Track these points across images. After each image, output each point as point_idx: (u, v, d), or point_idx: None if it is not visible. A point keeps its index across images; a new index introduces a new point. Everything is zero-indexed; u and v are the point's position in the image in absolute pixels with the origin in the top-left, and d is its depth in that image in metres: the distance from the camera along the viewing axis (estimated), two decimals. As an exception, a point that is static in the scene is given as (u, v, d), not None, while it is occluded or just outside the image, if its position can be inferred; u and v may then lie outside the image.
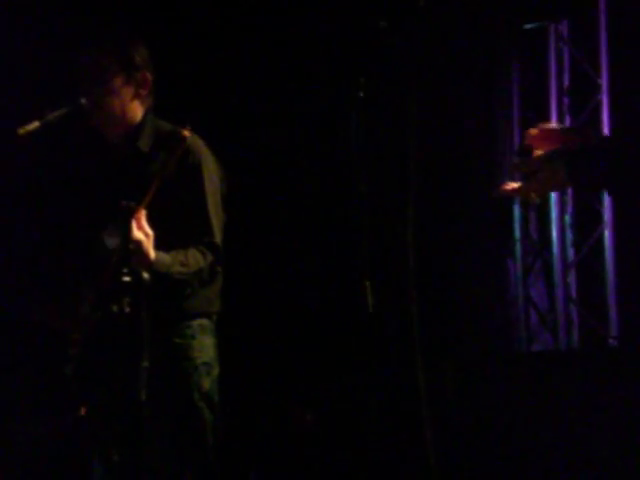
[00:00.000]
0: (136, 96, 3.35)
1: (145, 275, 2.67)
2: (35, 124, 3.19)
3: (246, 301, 4.91)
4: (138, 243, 2.94)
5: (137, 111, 3.37)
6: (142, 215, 2.95)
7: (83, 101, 3.27)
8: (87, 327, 3.21)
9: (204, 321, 3.36)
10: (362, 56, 2.43)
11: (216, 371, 3.36)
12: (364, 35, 2.46)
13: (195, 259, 3.21)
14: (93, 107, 3.28)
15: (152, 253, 3.03)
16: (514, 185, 2.33)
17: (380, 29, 2.43)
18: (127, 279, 2.65)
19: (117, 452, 3.17)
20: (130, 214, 2.89)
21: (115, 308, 2.66)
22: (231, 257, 3.41)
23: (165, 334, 3.26)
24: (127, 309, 2.65)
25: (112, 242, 3.06)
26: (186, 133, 2.94)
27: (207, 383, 3.31)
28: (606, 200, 5.14)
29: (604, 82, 5.14)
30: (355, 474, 4.53)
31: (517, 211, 5.42)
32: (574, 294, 5.26)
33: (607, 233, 5.14)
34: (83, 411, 3.18)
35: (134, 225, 2.91)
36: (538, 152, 2.30)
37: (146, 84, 3.36)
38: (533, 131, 2.32)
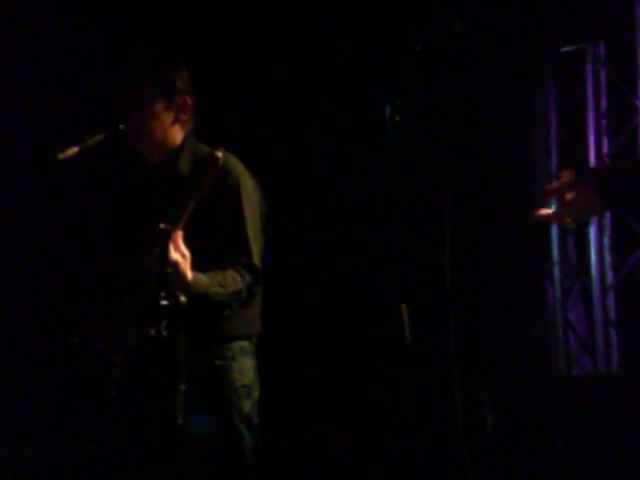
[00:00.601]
0: (177, 120, 3.35)
1: (182, 298, 2.68)
2: (74, 149, 3.20)
3: (286, 323, 4.91)
4: (175, 264, 2.94)
5: (177, 135, 3.37)
6: (178, 236, 2.96)
7: (122, 127, 3.28)
8: (128, 349, 3.22)
9: (244, 343, 3.35)
10: (399, 78, 2.43)
11: (256, 393, 3.36)
12: (402, 57, 2.47)
13: (233, 280, 3.20)
14: (132, 132, 3.30)
15: (189, 274, 3.03)
16: (548, 211, 2.31)
17: (417, 52, 2.43)
18: (164, 302, 2.66)
19: (156, 476, 3.18)
20: (167, 236, 2.91)
21: (152, 332, 2.67)
22: (270, 277, 3.42)
23: (205, 357, 3.26)
24: (164, 332, 2.66)
25: (151, 265, 3.07)
26: (219, 154, 2.94)
27: (247, 405, 3.30)
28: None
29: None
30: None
31: (555, 233, 5.39)
32: (613, 317, 5.21)
33: (646, 256, 5.10)
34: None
35: (171, 247, 2.92)
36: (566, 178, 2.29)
37: (187, 108, 3.36)
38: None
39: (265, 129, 5.16)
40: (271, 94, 5.20)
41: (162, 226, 2.94)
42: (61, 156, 3.17)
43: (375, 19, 5.10)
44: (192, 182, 3.00)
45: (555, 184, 2.27)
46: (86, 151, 3.23)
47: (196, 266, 3.09)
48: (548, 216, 2.31)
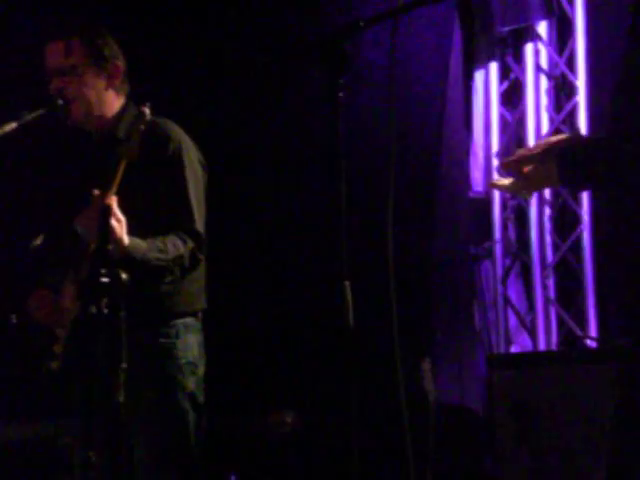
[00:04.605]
0: (110, 86, 3.38)
1: (124, 275, 2.65)
2: (12, 125, 3.19)
3: (230, 301, 4.89)
4: (110, 229, 2.91)
5: (114, 101, 3.40)
6: (112, 201, 2.94)
7: (60, 102, 3.28)
8: (69, 322, 3.19)
9: (188, 320, 3.34)
10: (343, 58, 2.42)
11: (201, 370, 3.35)
12: (344, 35, 2.46)
13: (174, 245, 3.18)
14: (69, 103, 3.29)
15: (125, 239, 3.01)
16: (505, 181, 2.36)
17: (359, 28, 2.43)
18: (105, 280, 2.63)
19: (96, 453, 3.15)
20: (100, 200, 2.89)
21: (93, 309, 2.64)
22: (214, 255, 3.40)
23: (149, 334, 3.25)
24: (105, 310, 2.63)
25: (82, 229, 3.04)
26: (146, 110, 2.95)
27: (191, 383, 3.30)
28: (585, 201, 5.16)
29: (582, 85, 5.19)
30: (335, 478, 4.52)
31: (496, 212, 5.44)
32: (553, 295, 5.28)
33: (585, 234, 5.16)
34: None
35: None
36: (521, 151, 2.33)
37: (118, 72, 3.41)
38: (504, 162, 2.36)
39: (209, 108, 5.13)
40: (211, 75, 5.16)
41: (95, 192, 2.92)
42: (-1, 133, 3.13)
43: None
44: (122, 142, 2.99)
45: (513, 157, 2.31)
46: (25, 127, 3.21)
47: (138, 233, 3.08)
48: (503, 186, 2.36)
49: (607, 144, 2.17)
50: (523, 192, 2.40)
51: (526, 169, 2.24)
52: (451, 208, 5.38)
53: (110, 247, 2.77)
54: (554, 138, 2.35)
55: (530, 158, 2.25)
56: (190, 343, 3.32)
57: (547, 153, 2.21)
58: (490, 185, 2.43)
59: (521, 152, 2.33)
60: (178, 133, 3.34)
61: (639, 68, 2.06)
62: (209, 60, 5.17)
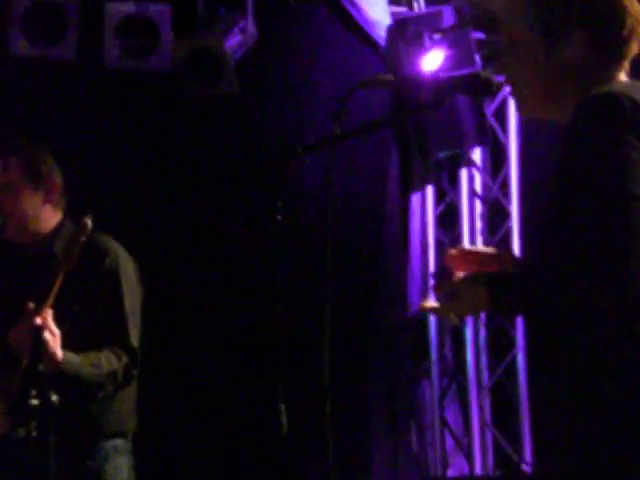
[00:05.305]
0: (47, 201, 3.39)
1: (54, 397, 2.60)
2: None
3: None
4: (44, 343, 2.87)
5: (51, 217, 3.40)
6: (47, 314, 2.91)
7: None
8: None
9: (118, 441, 3.28)
10: (280, 180, 2.47)
11: None
12: (282, 160, 2.50)
13: (108, 360, 3.15)
14: (5, 219, 3.29)
15: (59, 353, 2.97)
16: (433, 304, 2.37)
17: (297, 154, 2.48)
18: (35, 402, 2.58)
19: None
20: (34, 314, 2.86)
21: (22, 432, 2.58)
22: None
23: (77, 457, 3.17)
24: (34, 433, 2.57)
25: (16, 343, 2.98)
26: (87, 221, 2.95)
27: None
28: (519, 325, 5.22)
29: (515, 210, 5.31)
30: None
31: (433, 332, 5.46)
32: (489, 418, 5.28)
33: (520, 357, 5.21)
34: None
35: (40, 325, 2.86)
36: (458, 274, 2.35)
37: (54, 189, 3.41)
38: (453, 252, 2.37)
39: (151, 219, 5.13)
40: (152, 196, 5.18)
41: (29, 305, 2.89)
42: None
43: (257, 122, 5.18)
44: (60, 255, 2.99)
45: (445, 282, 2.33)
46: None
47: (71, 347, 3.04)
48: (432, 308, 2.37)
49: (533, 269, 2.21)
50: (451, 316, 2.40)
51: (457, 292, 2.25)
52: (389, 326, 5.41)
53: (41, 366, 2.73)
54: (486, 255, 2.37)
55: (459, 282, 2.26)
56: (120, 466, 3.25)
57: (476, 278, 2.23)
58: (420, 308, 2.44)
59: (454, 277, 2.34)
60: (114, 246, 3.36)
61: (564, 201, 2.11)
62: (151, 178, 5.19)
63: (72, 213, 3.44)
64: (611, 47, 2.21)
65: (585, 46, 2.19)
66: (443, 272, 2.45)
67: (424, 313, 5.47)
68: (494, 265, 2.35)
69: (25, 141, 3.48)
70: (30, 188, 3.36)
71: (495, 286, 2.17)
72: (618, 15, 2.20)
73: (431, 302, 2.41)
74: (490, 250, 2.39)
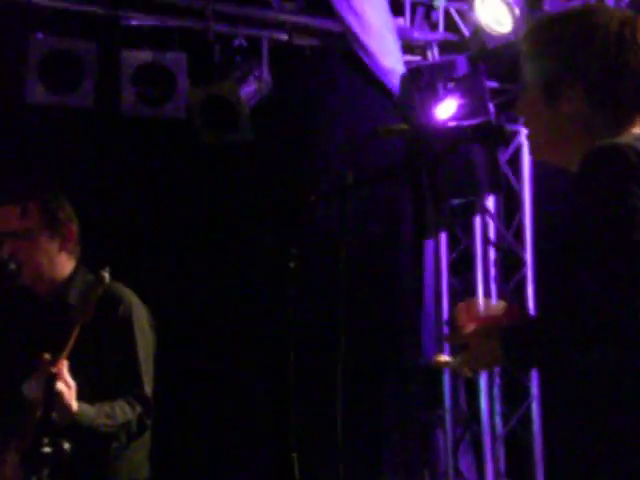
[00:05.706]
0: (62, 249, 3.37)
1: (66, 445, 2.59)
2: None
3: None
4: (59, 395, 2.87)
5: (65, 264, 3.38)
6: (63, 365, 2.91)
7: (12, 266, 3.26)
8: None
9: (130, 490, 3.26)
10: (294, 228, 2.48)
11: None
12: (296, 208, 2.52)
13: (122, 411, 3.13)
14: (20, 267, 3.28)
15: (74, 404, 2.96)
16: (447, 359, 2.35)
17: (311, 203, 2.49)
18: (47, 450, 2.57)
19: None
20: (49, 365, 2.85)
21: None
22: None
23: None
24: (46, 482, 2.56)
25: (31, 393, 2.98)
26: (105, 274, 2.94)
27: None
28: (533, 374, 5.19)
29: (529, 257, 5.30)
30: None
31: (447, 381, 5.43)
32: (503, 467, 5.22)
33: (534, 406, 5.17)
34: None
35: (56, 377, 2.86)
36: (469, 326, 2.33)
37: (71, 236, 3.40)
38: (463, 305, 2.36)
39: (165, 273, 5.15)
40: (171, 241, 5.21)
41: (45, 356, 2.89)
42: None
43: (271, 169, 5.21)
44: (77, 307, 2.98)
45: (458, 334, 2.32)
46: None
47: (86, 397, 3.03)
48: (445, 362, 2.35)
49: (547, 324, 2.18)
50: (465, 370, 2.38)
51: (470, 345, 2.24)
52: (402, 374, 5.39)
53: (54, 415, 2.72)
54: (498, 310, 2.36)
55: (472, 335, 2.25)
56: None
57: (489, 331, 2.21)
58: (434, 363, 2.41)
59: (467, 329, 2.32)
60: (127, 294, 3.34)
61: (573, 251, 2.10)
62: (167, 225, 5.22)
63: (85, 259, 3.46)
64: (611, 103, 2.20)
65: (585, 102, 2.20)
66: (454, 322, 2.44)
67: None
68: (505, 317, 2.33)
69: (43, 188, 3.49)
70: (47, 235, 3.35)
71: (508, 342, 2.15)
72: (616, 72, 2.19)
73: (444, 357, 2.40)
74: (501, 305, 2.37)
